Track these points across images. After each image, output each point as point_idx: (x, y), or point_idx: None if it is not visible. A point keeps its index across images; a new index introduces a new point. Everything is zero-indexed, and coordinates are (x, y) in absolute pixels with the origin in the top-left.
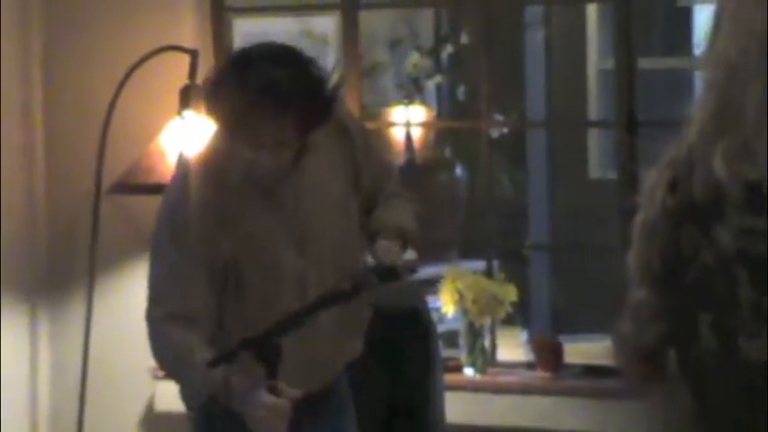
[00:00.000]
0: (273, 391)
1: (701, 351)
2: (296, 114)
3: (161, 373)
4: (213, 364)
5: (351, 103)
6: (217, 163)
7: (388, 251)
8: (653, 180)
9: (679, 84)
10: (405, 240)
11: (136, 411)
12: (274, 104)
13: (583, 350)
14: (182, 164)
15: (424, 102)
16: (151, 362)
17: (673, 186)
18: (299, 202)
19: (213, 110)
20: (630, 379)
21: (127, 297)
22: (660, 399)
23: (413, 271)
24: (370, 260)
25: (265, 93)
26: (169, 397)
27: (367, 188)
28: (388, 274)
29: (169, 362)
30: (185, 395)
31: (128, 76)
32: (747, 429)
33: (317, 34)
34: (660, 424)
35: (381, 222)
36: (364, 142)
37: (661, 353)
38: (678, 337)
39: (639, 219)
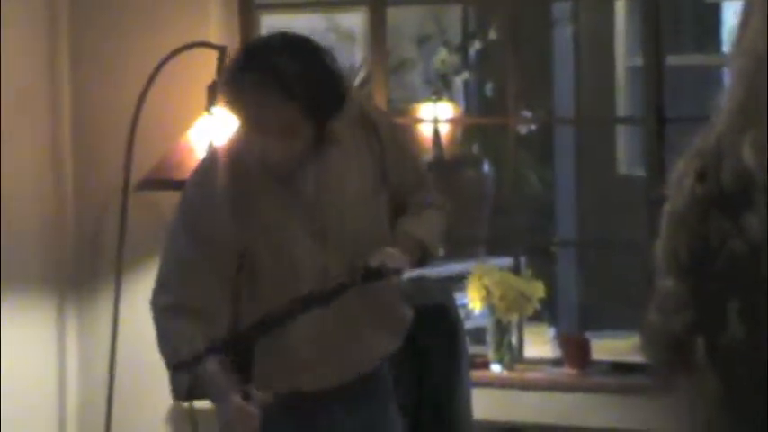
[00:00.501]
0: (246, 395)
1: (728, 339)
2: (299, 103)
3: None
4: (179, 367)
5: (378, 99)
6: (235, 152)
7: (389, 256)
8: (680, 170)
9: (707, 80)
10: (423, 254)
11: (163, 406)
12: (274, 91)
13: (610, 347)
14: (207, 153)
15: (451, 98)
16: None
17: (701, 176)
18: (320, 194)
19: (225, 96)
20: (658, 369)
21: None
22: (687, 388)
23: (397, 272)
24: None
25: (266, 78)
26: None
27: (396, 190)
28: (372, 274)
29: (164, 351)
30: (171, 386)
31: (156, 72)
32: None
33: (343, 30)
34: (687, 414)
35: (401, 231)
36: (394, 142)
37: (688, 341)
38: (706, 325)
39: (667, 208)
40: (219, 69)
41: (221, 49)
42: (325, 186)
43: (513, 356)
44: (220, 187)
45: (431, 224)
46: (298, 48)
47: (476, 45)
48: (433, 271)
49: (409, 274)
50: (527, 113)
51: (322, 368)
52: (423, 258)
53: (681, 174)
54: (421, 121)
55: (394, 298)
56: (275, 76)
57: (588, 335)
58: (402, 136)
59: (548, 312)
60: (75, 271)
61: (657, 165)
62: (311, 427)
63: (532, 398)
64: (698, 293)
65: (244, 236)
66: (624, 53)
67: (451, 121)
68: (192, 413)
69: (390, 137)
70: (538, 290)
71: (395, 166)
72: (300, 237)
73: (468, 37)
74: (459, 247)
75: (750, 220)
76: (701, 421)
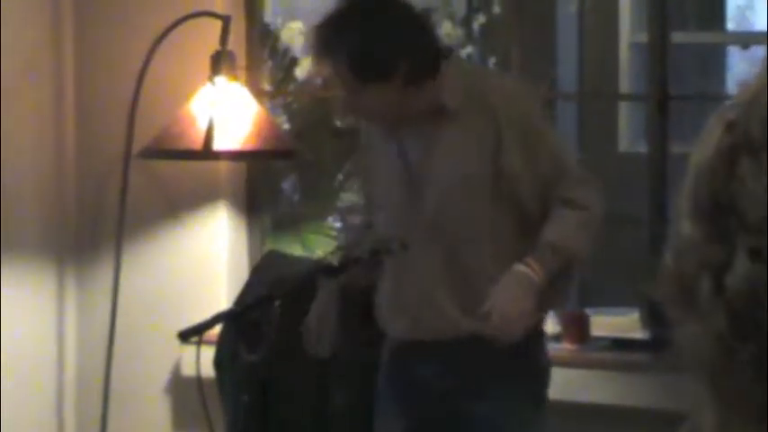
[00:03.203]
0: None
1: (734, 279)
2: (338, 64)
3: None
4: (185, 336)
5: None
6: None
7: (503, 318)
8: (712, 123)
9: (711, 58)
10: (567, 261)
11: (162, 376)
12: (319, 50)
13: (610, 323)
14: None
15: None
16: (178, 327)
17: (730, 127)
18: (422, 167)
19: None
20: (668, 307)
21: (154, 261)
22: (693, 328)
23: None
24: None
25: (316, 37)
26: (195, 362)
27: (533, 183)
28: (379, 251)
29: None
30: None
31: (159, 41)
32: None
33: None
34: (692, 355)
35: (538, 242)
36: (518, 131)
37: (696, 281)
38: (714, 265)
39: (693, 158)
40: (223, 39)
41: (225, 19)
42: (428, 161)
43: None
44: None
45: (568, 225)
46: (355, 10)
47: (480, 19)
48: None
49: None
50: None
51: (400, 321)
52: (568, 267)
53: (711, 126)
54: None
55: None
56: (318, 37)
57: (588, 311)
58: (529, 123)
59: None
60: (75, 239)
61: (660, 142)
62: (403, 373)
63: None
64: (711, 235)
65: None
66: (628, 29)
67: None
68: (200, 383)
69: (514, 124)
70: None
71: (519, 157)
72: (398, 200)
73: (472, 11)
74: None
75: None
76: (705, 361)
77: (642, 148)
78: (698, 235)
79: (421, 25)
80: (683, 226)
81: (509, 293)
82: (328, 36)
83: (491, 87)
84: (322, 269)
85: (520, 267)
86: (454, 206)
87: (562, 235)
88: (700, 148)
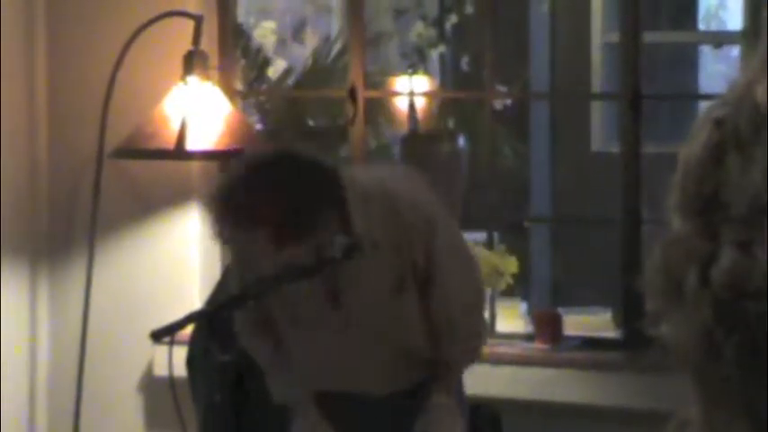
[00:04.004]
0: None
1: (722, 268)
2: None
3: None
4: (157, 336)
5: (354, 72)
6: None
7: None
8: (701, 120)
9: (683, 57)
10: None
11: (135, 376)
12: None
13: (582, 322)
14: None
15: (427, 72)
16: (151, 326)
17: (719, 124)
18: (342, 287)
19: None
20: (654, 300)
21: (127, 261)
22: (680, 319)
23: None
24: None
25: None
26: (168, 362)
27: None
28: (353, 250)
29: None
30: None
31: (132, 40)
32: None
33: (321, 2)
34: (677, 345)
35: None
36: (425, 233)
37: (685, 272)
38: (702, 256)
39: (682, 154)
40: (196, 39)
41: (198, 19)
42: (348, 280)
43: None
44: None
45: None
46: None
47: (452, 19)
48: None
49: None
50: (503, 88)
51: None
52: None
53: (700, 122)
54: (397, 94)
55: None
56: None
57: (560, 310)
58: (432, 228)
59: (520, 287)
60: (47, 239)
61: (632, 141)
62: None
63: (504, 372)
64: (698, 229)
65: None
66: (600, 29)
67: (427, 94)
68: (172, 382)
69: (419, 228)
70: (511, 265)
71: (432, 281)
72: (322, 325)
73: (444, 10)
74: None
75: (758, 152)
76: (691, 354)
77: (615, 147)
78: (685, 229)
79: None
80: (673, 221)
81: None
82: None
83: (398, 198)
84: (295, 269)
85: (441, 399)
86: (377, 321)
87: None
88: (688, 145)
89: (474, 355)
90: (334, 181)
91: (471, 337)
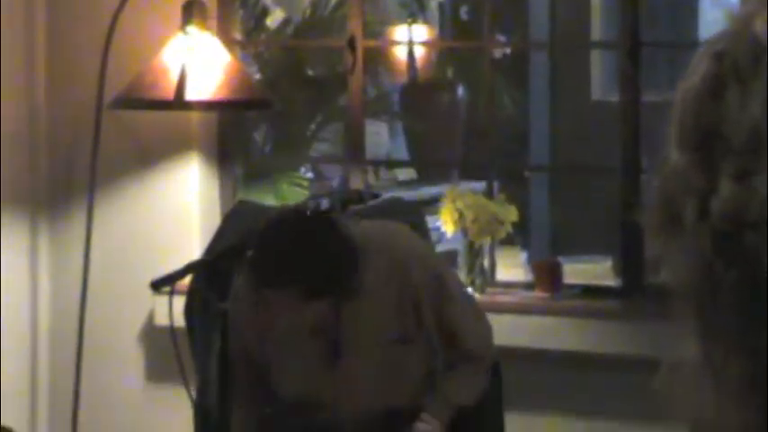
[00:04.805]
0: None
1: (721, 199)
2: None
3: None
4: (157, 286)
5: (353, 21)
6: None
7: None
8: (700, 53)
9: (682, 5)
10: (454, 410)
11: (135, 326)
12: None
13: (581, 270)
14: None
15: (426, 21)
16: (151, 276)
17: (718, 57)
18: (343, 338)
19: None
20: (654, 236)
21: (127, 212)
22: (680, 254)
23: (375, 196)
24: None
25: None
26: (168, 311)
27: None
28: (350, 202)
29: None
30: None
31: None
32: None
33: None
34: (675, 275)
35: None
36: (434, 288)
37: (684, 205)
38: (700, 188)
39: (680, 87)
40: None
41: None
42: (350, 331)
43: (484, 280)
44: None
45: (459, 384)
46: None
47: None
48: (406, 194)
49: (383, 195)
50: (502, 37)
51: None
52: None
53: (698, 57)
54: (396, 43)
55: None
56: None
57: (560, 259)
58: (441, 282)
59: (520, 236)
60: (47, 189)
61: (632, 90)
62: None
63: (504, 321)
64: (696, 162)
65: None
66: None
67: (426, 44)
68: (173, 331)
69: (431, 285)
70: (511, 214)
71: (431, 315)
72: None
73: None
74: (433, 171)
75: (757, 85)
76: (690, 289)
77: (615, 96)
78: (684, 162)
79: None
80: (672, 154)
81: None
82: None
83: (396, 245)
84: (292, 217)
85: (420, 428)
86: (379, 370)
87: (455, 389)
88: (687, 79)
89: (474, 396)
90: (347, 240)
91: (475, 380)
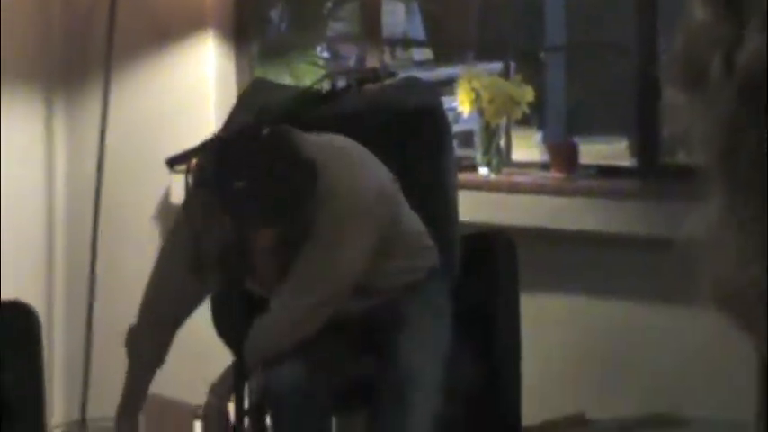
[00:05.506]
0: None
1: (747, 51)
2: None
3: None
4: (173, 163)
5: None
6: None
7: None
8: None
9: None
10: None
11: (151, 204)
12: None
13: (597, 151)
14: None
15: None
16: (167, 154)
17: None
18: None
19: None
20: (678, 93)
21: (143, 90)
22: (704, 109)
23: (392, 75)
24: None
25: None
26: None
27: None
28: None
29: None
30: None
31: None
32: None
33: None
34: (702, 136)
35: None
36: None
37: (709, 60)
38: (726, 42)
39: (683, 22)
40: None
41: None
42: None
43: (500, 160)
44: None
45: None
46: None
47: None
48: (423, 74)
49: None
50: None
51: None
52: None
53: None
54: None
55: None
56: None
57: (576, 139)
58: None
59: (536, 117)
60: (64, 67)
61: None
62: None
63: (519, 201)
64: (722, 16)
65: None
66: None
67: None
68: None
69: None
70: (527, 94)
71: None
72: None
73: None
74: (449, 51)
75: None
76: (714, 143)
77: None
78: (710, 16)
79: None
80: (694, 11)
81: None
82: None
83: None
84: (308, 96)
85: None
86: None
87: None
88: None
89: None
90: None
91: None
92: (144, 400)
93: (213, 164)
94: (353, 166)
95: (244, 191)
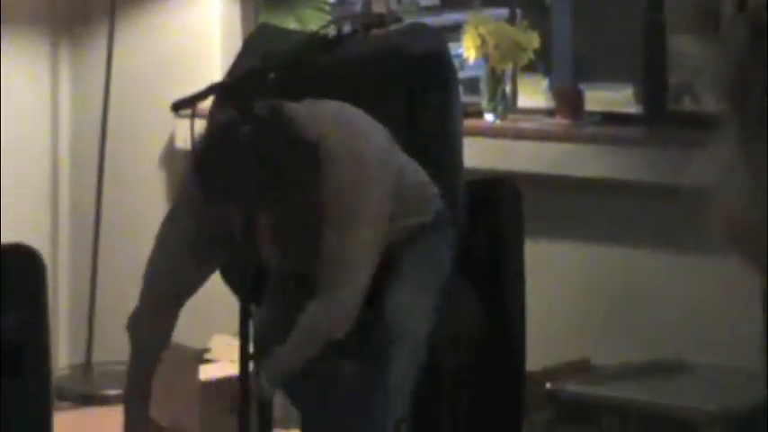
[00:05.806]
0: None
1: None
2: None
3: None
4: (178, 107)
5: None
6: None
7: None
8: None
9: None
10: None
11: (156, 149)
12: None
13: (603, 98)
14: None
15: None
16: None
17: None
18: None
19: None
20: (692, 33)
21: (148, 35)
22: (717, 48)
23: (398, 20)
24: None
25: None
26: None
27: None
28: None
29: None
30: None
31: None
32: None
33: None
34: (715, 74)
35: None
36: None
37: (718, 7)
38: None
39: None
40: None
41: None
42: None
43: (506, 106)
44: None
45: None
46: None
47: None
48: (429, 20)
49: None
50: None
51: None
52: None
53: None
54: None
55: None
56: None
57: (582, 86)
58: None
59: (542, 63)
60: (68, 12)
61: None
62: None
63: (525, 147)
64: None
65: None
66: None
67: None
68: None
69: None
70: (533, 40)
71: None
72: None
73: None
74: None
75: None
76: (727, 81)
77: None
78: None
79: None
80: None
81: None
82: None
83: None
84: (314, 42)
85: None
86: None
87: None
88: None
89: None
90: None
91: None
92: (151, 383)
93: (211, 149)
94: (352, 134)
95: (245, 175)
